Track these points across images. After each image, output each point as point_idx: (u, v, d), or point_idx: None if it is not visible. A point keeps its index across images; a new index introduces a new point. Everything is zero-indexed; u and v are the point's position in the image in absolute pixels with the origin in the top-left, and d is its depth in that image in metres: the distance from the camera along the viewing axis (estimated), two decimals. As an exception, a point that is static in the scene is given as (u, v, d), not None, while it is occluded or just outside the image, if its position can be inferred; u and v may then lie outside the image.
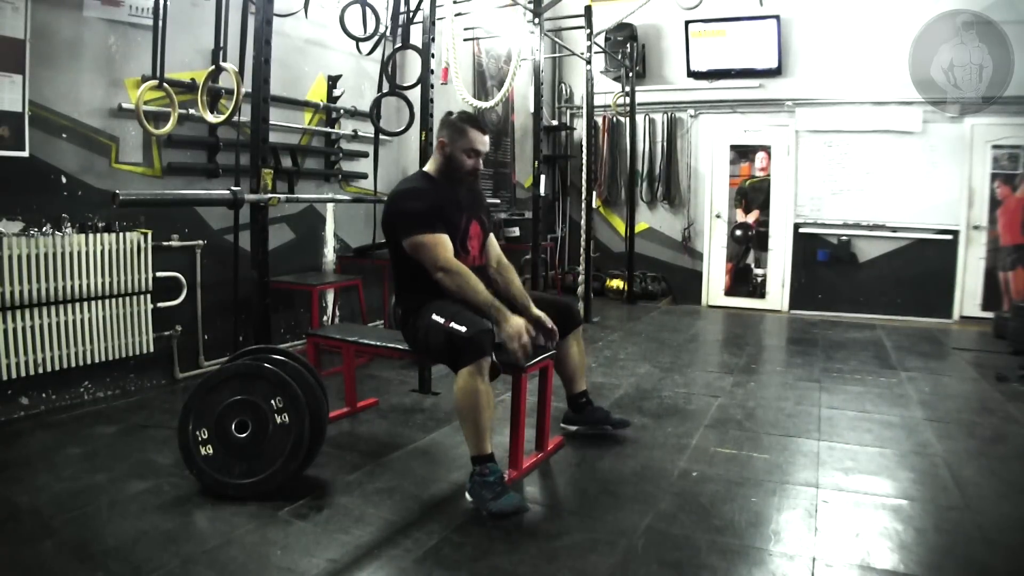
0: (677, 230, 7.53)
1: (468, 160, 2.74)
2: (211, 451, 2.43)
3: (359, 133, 5.12)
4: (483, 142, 2.77)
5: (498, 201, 6.68)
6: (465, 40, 5.98)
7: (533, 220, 5.57)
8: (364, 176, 5.26)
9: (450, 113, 2.83)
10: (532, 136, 5.52)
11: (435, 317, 2.50)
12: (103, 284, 3.41)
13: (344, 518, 2.31)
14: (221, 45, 3.72)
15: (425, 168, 2.87)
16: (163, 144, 3.78)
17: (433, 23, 3.80)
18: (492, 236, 2.94)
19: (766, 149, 7.08)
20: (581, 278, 6.31)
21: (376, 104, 4.56)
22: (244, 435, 2.42)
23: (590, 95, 6.30)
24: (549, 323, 2.70)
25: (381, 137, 5.01)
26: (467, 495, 2.40)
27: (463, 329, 2.39)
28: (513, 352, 2.49)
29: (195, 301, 3.97)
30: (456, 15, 4.17)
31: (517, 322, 2.51)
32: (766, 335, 5.94)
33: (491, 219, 3.04)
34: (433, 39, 3.79)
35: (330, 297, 4.81)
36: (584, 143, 6.50)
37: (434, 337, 2.49)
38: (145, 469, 2.67)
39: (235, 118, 3.43)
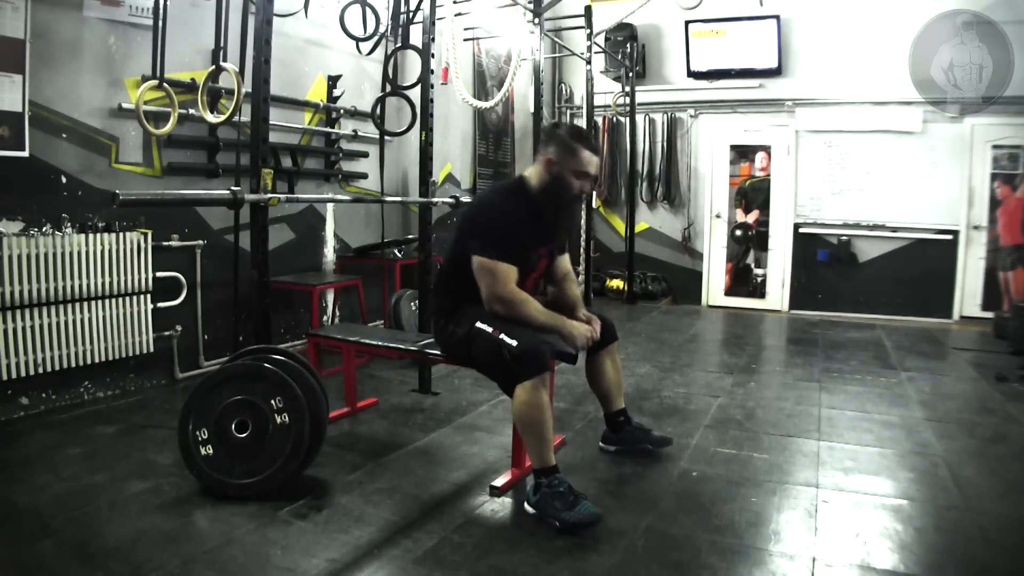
0: (677, 230, 7.54)
1: (577, 182, 2.54)
2: (211, 451, 2.43)
3: (359, 133, 5.13)
4: (595, 163, 2.56)
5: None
6: (465, 40, 5.97)
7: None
8: (364, 176, 5.26)
9: (556, 125, 2.61)
10: (532, 136, 5.51)
11: (481, 325, 2.44)
12: (103, 284, 3.41)
13: (344, 518, 2.31)
14: (221, 45, 3.72)
15: (527, 175, 2.63)
16: (163, 144, 3.78)
17: (433, 23, 3.80)
18: (565, 256, 2.84)
19: (766, 149, 7.08)
20: (581, 278, 6.32)
21: (377, 105, 4.57)
22: (244, 435, 2.42)
23: (590, 95, 6.30)
24: (593, 322, 2.68)
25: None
26: (529, 507, 2.35)
27: (514, 343, 2.33)
28: (583, 347, 2.58)
29: (195, 301, 3.97)
30: (456, 15, 4.17)
31: (580, 326, 2.55)
32: (766, 335, 5.94)
33: (570, 238, 2.85)
34: (433, 39, 3.79)
35: (330, 297, 4.81)
36: (584, 143, 6.50)
37: (481, 347, 2.43)
38: (145, 469, 2.67)
39: (235, 118, 3.43)
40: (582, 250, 6.33)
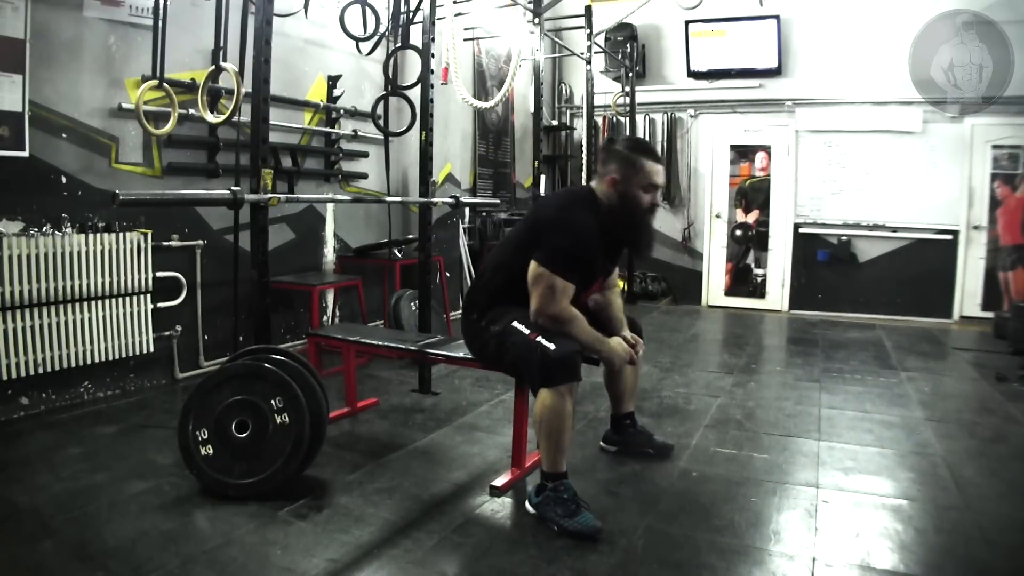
0: (677, 230, 7.54)
1: (646, 196, 2.47)
2: (211, 451, 2.43)
3: (359, 133, 5.13)
4: (660, 173, 2.48)
5: (498, 201, 6.68)
6: (465, 40, 5.97)
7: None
8: (364, 176, 5.26)
9: (612, 141, 2.52)
10: (532, 136, 5.51)
11: (517, 325, 2.40)
12: (103, 284, 3.41)
13: (344, 518, 2.31)
14: (221, 45, 3.72)
15: (595, 188, 2.54)
16: (163, 144, 3.78)
17: (433, 23, 3.79)
18: (616, 289, 2.82)
19: (766, 149, 7.08)
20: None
21: (377, 105, 4.57)
22: (244, 435, 2.42)
23: (590, 95, 6.30)
24: (637, 347, 2.64)
25: (380, 137, 5.03)
26: (530, 507, 2.35)
27: (552, 347, 2.30)
28: (617, 369, 2.65)
29: (195, 301, 3.97)
30: (456, 15, 4.17)
31: (619, 349, 2.51)
32: (766, 335, 5.94)
33: (648, 251, 2.72)
34: (433, 39, 3.79)
35: (330, 297, 4.81)
36: (584, 143, 6.51)
37: (513, 346, 2.39)
38: (145, 469, 2.67)
39: (235, 118, 3.43)
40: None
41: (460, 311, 2.75)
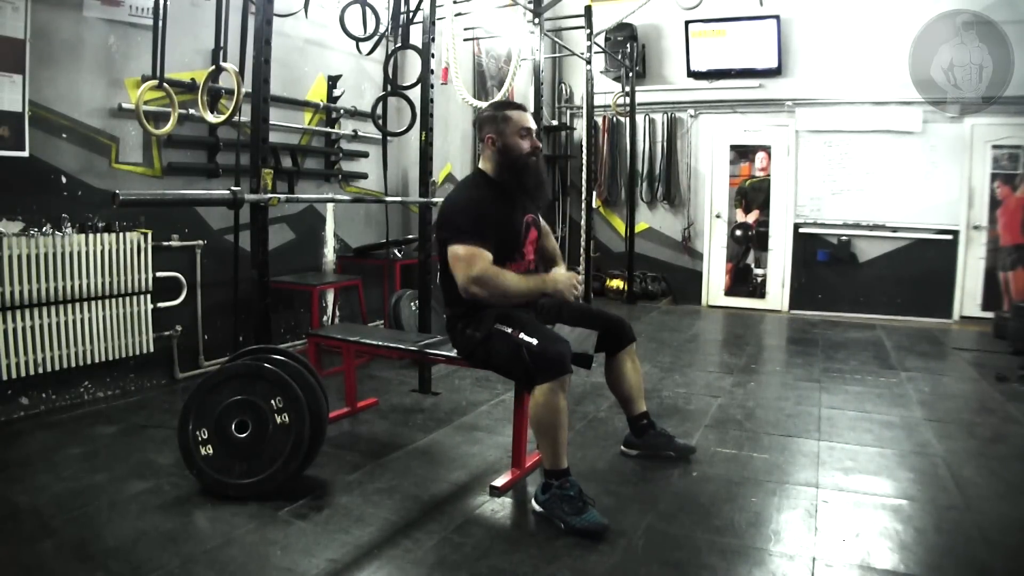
0: (677, 230, 7.53)
1: (524, 142, 2.60)
2: (211, 451, 2.43)
3: (359, 133, 5.13)
4: (528, 118, 2.64)
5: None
6: (465, 40, 5.98)
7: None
8: (364, 176, 5.26)
9: (480, 112, 2.71)
10: (532, 136, 5.51)
11: (499, 326, 2.43)
12: (103, 284, 3.41)
13: (344, 518, 2.31)
14: (221, 45, 3.72)
15: (480, 166, 2.70)
16: (163, 144, 3.78)
17: (433, 23, 3.79)
18: (549, 233, 2.88)
19: (766, 149, 7.07)
20: (580, 278, 6.30)
21: (377, 105, 4.56)
22: (244, 435, 2.42)
23: (590, 95, 6.30)
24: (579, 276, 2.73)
25: (380, 137, 5.03)
26: (536, 505, 2.35)
27: (534, 342, 2.32)
28: (570, 297, 2.59)
29: (195, 301, 3.97)
30: (456, 15, 4.17)
31: (562, 277, 2.58)
32: (766, 335, 5.94)
33: (545, 198, 2.86)
34: (433, 39, 3.79)
35: (330, 297, 4.82)
36: (584, 143, 6.50)
37: (500, 348, 2.42)
38: (145, 469, 2.67)
39: (235, 118, 3.44)
40: (582, 250, 6.33)
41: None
